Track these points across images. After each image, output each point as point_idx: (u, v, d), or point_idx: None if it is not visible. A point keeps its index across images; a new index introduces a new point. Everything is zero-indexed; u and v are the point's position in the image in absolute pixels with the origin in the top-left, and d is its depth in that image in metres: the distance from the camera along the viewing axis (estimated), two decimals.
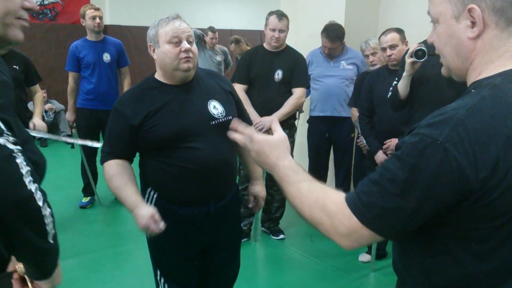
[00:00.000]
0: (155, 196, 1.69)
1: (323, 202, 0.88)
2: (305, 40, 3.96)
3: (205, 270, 1.89)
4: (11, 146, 0.88)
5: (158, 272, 1.79)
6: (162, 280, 1.79)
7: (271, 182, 3.30)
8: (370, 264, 2.92)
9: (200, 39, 5.29)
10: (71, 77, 3.82)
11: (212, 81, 1.75)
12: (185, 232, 1.69)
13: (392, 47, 2.71)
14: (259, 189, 1.91)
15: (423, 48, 2.20)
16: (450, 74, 0.93)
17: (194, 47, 1.63)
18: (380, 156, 2.78)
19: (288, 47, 3.19)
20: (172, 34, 1.58)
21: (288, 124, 3.20)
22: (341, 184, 3.82)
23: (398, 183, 0.78)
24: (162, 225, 1.53)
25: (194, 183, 1.61)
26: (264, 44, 3.19)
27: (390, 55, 2.72)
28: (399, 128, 2.66)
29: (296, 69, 3.11)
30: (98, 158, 3.95)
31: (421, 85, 2.35)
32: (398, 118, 2.68)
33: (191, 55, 1.60)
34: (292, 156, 3.73)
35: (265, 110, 3.06)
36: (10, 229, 0.91)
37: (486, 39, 0.82)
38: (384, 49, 2.76)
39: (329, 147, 3.76)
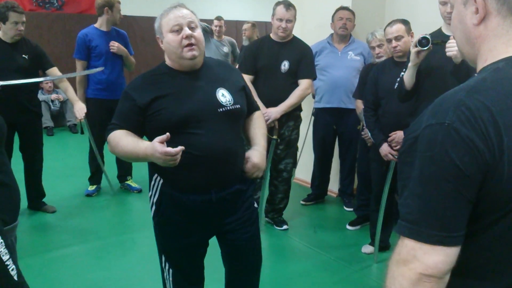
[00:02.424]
0: (160, 182, 1.70)
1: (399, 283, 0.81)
2: (311, 31, 3.95)
3: (226, 258, 1.88)
4: None
5: (163, 258, 1.81)
6: (167, 267, 1.81)
7: (276, 173, 3.32)
8: (373, 256, 2.93)
9: (205, 31, 5.27)
10: (80, 65, 3.79)
11: (222, 70, 1.76)
12: (188, 219, 1.70)
13: (398, 38, 2.70)
14: (253, 153, 1.75)
15: (427, 36, 2.20)
16: (464, 58, 0.96)
17: (198, 33, 1.61)
18: (384, 149, 2.78)
19: (295, 37, 3.18)
20: (173, 22, 1.58)
21: (294, 116, 3.20)
22: (346, 176, 3.83)
23: (431, 181, 0.77)
24: (179, 148, 1.45)
25: (196, 169, 1.61)
26: (271, 35, 3.18)
27: (395, 47, 2.71)
28: (404, 120, 2.66)
29: (302, 60, 3.10)
30: (106, 146, 3.99)
31: (427, 76, 2.35)
32: (404, 110, 2.68)
33: (193, 41, 1.58)
34: (297, 148, 3.69)
35: (271, 101, 3.06)
36: None
37: (489, 26, 0.84)
38: (389, 41, 2.74)
39: (334, 139, 3.76)
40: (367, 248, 3.07)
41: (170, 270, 1.81)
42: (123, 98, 1.68)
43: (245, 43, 5.70)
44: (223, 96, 1.66)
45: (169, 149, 1.44)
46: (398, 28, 2.70)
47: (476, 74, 0.85)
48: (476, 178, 0.76)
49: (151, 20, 7.72)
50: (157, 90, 1.61)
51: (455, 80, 2.11)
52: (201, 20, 4.42)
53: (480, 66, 0.87)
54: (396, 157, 2.68)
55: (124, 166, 4.12)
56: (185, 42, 1.58)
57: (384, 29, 2.82)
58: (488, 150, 0.75)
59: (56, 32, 7.18)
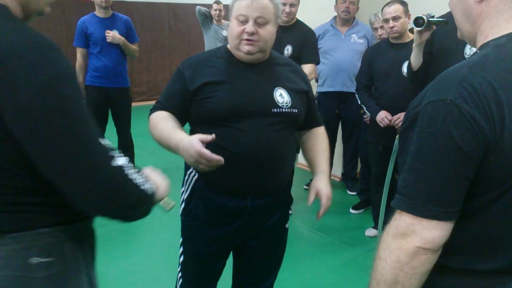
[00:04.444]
0: (195, 177, 1.56)
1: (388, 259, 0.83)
2: (312, 14, 3.89)
3: (241, 264, 1.74)
4: None
5: (182, 258, 1.68)
6: (180, 274, 1.70)
7: None
8: (377, 239, 2.94)
9: (205, 16, 5.21)
10: (79, 53, 3.79)
11: (287, 70, 1.59)
12: (216, 223, 1.55)
13: (395, 18, 2.68)
14: (322, 185, 1.55)
15: (423, 16, 2.16)
16: (463, 38, 0.94)
17: (265, 30, 1.44)
18: (381, 115, 2.74)
19: (298, 21, 3.13)
20: (241, 12, 1.42)
21: None
22: (349, 160, 3.83)
23: (430, 157, 0.78)
24: (218, 157, 1.29)
25: (234, 169, 1.44)
26: None
27: (392, 27, 2.69)
28: (401, 103, 2.65)
29: (306, 45, 3.06)
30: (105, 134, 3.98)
31: (439, 58, 2.31)
32: (400, 93, 2.67)
33: (255, 38, 1.43)
34: None
35: None
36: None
37: (492, 3, 0.84)
38: (386, 21, 2.72)
39: (338, 124, 3.74)
40: (371, 231, 3.08)
41: (181, 279, 1.69)
42: (175, 76, 1.53)
43: None
44: (281, 96, 1.50)
45: (207, 152, 1.28)
46: (396, 8, 2.67)
47: (478, 51, 0.85)
48: (476, 155, 0.76)
49: (150, 5, 7.60)
50: (211, 74, 1.47)
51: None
52: (200, 5, 4.37)
53: (480, 42, 0.88)
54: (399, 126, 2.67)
55: (127, 155, 4.11)
56: (245, 36, 1.43)
57: (382, 9, 2.78)
58: (489, 127, 0.75)
59: (55, 19, 7.10)
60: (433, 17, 2.18)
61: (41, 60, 0.80)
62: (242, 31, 1.43)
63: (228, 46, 1.54)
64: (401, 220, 0.81)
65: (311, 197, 1.54)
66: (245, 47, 1.45)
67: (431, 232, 0.79)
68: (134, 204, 0.95)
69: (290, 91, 1.52)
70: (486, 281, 0.85)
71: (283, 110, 1.48)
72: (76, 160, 0.83)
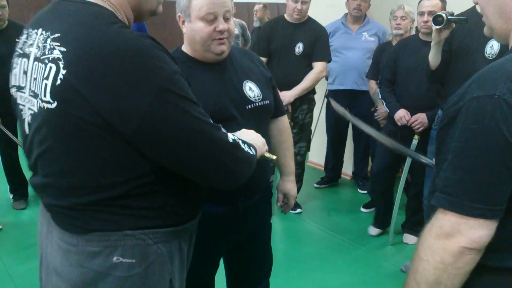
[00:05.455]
0: None
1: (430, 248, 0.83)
2: (323, 11, 3.87)
3: (234, 268, 1.70)
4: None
5: None
6: None
7: None
8: (388, 238, 2.93)
9: None
10: None
11: (247, 60, 1.53)
12: (205, 234, 1.44)
13: (431, 13, 2.63)
14: (290, 186, 1.67)
15: (441, 14, 2.12)
16: (492, 35, 0.93)
17: (231, 25, 1.39)
18: (400, 113, 2.72)
19: (310, 19, 3.13)
20: (207, 10, 1.33)
21: (307, 99, 3.17)
22: (360, 159, 3.81)
23: (477, 154, 0.77)
24: None
25: None
26: (285, 15, 3.13)
27: (426, 21, 2.64)
28: (421, 103, 2.62)
29: (317, 43, 3.05)
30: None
31: (459, 57, 2.26)
32: (422, 92, 2.64)
33: (226, 35, 1.37)
34: (311, 131, 3.62)
35: (284, 84, 3.01)
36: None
37: None
38: (422, 14, 2.68)
39: (348, 122, 3.73)
40: (373, 230, 3.05)
41: None
42: None
43: (256, 24, 5.64)
44: (251, 90, 1.45)
45: None
46: (435, 3, 2.65)
47: None
48: None
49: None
50: None
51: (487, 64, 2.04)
52: None
53: None
54: (416, 128, 2.65)
55: None
56: (217, 35, 1.35)
57: (420, 1, 2.74)
58: None
59: None
60: (452, 14, 2.12)
61: (153, 62, 0.83)
62: (213, 30, 1.35)
63: (185, 48, 1.46)
64: (446, 220, 0.80)
65: (280, 198, 1.70)
66: (218, 48, 1.38)
67: (478, 232, 0.77)
68: (250, 171, 1.00)
69: (257, 82, 1.48)
70: None
71: (257, 104, 1.45)
72: (205, 150, 0.88)
